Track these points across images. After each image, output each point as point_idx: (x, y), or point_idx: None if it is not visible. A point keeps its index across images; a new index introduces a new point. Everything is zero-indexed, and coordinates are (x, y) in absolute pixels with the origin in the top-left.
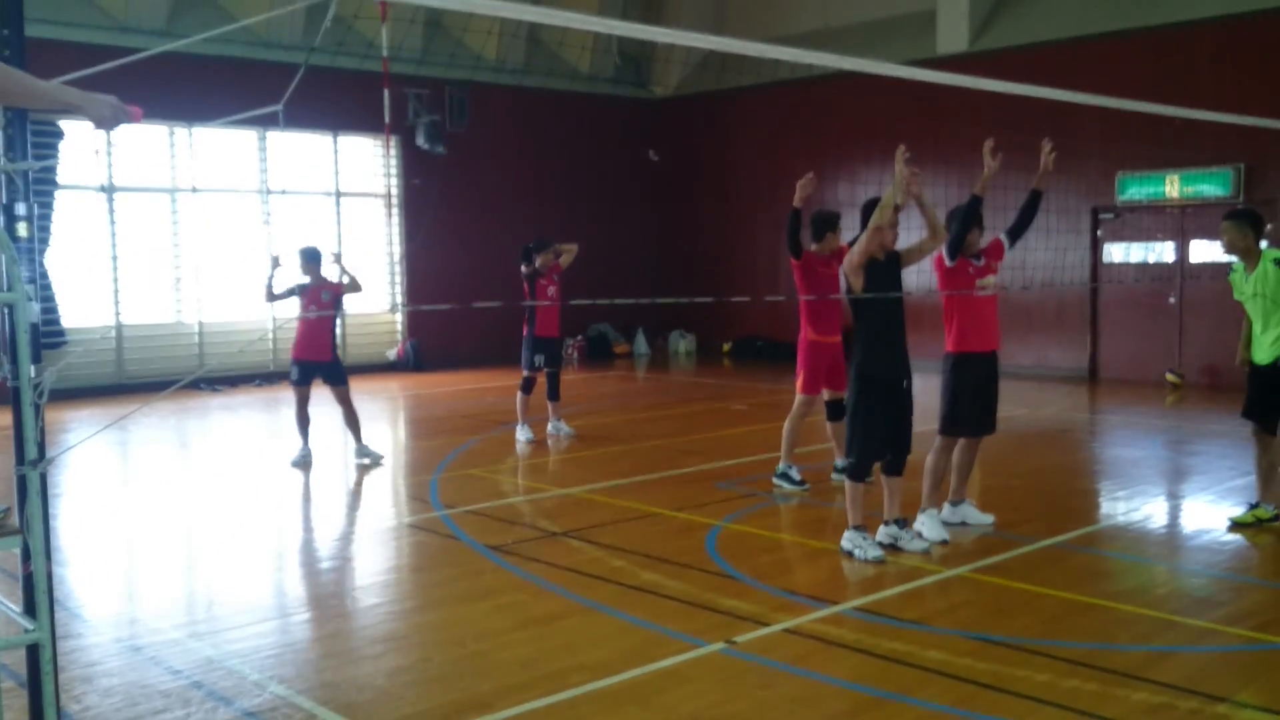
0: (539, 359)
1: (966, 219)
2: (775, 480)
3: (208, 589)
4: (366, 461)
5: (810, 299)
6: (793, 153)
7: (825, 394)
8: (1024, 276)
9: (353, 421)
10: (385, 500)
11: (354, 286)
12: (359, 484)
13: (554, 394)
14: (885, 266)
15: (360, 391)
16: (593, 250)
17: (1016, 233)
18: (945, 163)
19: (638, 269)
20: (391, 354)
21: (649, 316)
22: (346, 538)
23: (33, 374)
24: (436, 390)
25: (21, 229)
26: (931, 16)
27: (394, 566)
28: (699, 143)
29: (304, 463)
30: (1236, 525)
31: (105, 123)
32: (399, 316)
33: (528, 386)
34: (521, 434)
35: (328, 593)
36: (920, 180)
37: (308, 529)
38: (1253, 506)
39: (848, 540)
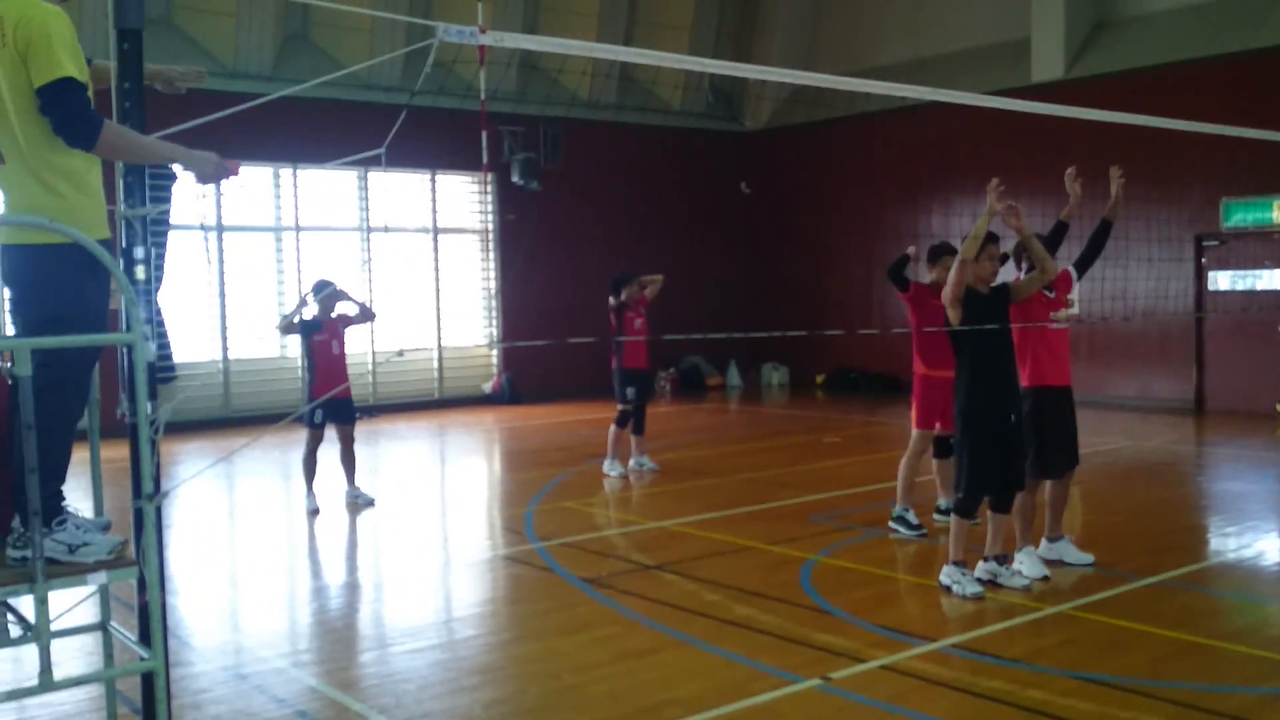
0: (630, 391)
1: (1050, 245)
2: (891, 524)
3: (310, 619)
4: (359, 504)
5: (923, 331)
6: (885, 184)
7: (938, 428)
8: (1125, 306)
9: (350, 461)
10: (480, 532)
11: (366, 316)
12: (455, 517)
13: (639, 428)
14: (989, 300)
15: (456, 424)
16: (685, 283)
17: (1085, 264)
18: (1041, 193)
19: (730, 301)
20: (487, 387)
21: (742, 349)
22: (443, 569)
23: (149, 410)
24: (531, 423)
25: (139, 271)
26: (1026, 44)
27: (490, 598)
28: (791, 175)
29: (317, 511)
30: None
31: (208, 178)
32: (494, 350)
33: (623, 420)
34: (610, 469)
35: (426, 624)
36: (1019, 213)
37: (405, 560)
38: None
39: (947, 575)
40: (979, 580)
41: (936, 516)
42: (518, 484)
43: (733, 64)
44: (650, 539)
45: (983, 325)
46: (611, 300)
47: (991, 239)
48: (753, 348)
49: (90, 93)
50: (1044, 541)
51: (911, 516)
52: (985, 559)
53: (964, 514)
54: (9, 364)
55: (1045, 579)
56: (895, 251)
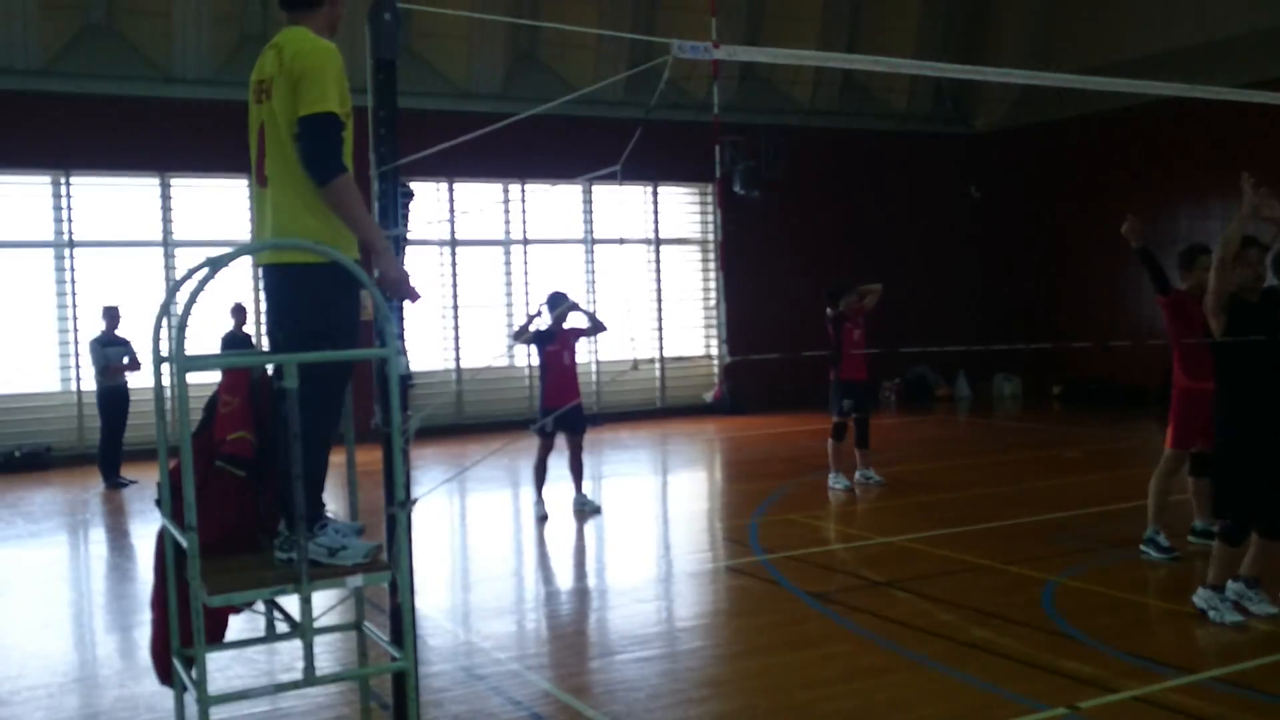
0: (847, 404)
1: None
2: (1142, 547)
3: (540, 623)
4: (585, 511)
5: (1183, 341)
6: (1126, 185)
7: (1197, 447)
8: None
9: (579, 469)
10: (704, 543)
11: (597, 328)
12: (679, 526)
13: (863, 441)
14: (1256, 308)
15: (678, 433)
16: (912, 291)
17: None
18: None
19: (959, 310)
20: (708, 397)
21: (971, 359)
22: (667, 579)
23: (401, 421)
24: (752, 434)
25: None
26: (1278, 32)
27: (715, 610)
28: (1023, 177)
29: (546, 517)
30: None
31: (388, 285)
32: (717, 360)
33: (839, 433)
34: (835, 482)
35: (652, 633)
36: (1275, 204)
37: (630, 568)
38: None
39: (1203, 599)
40: (1231, 603)
41: (1192, 539)
42: (740, 494)
43: (961, 66)
44: (878, 554)
45: (1251, 333)
46: (829, 311)
47: (1251, 242)
48: (983, 358)
49: (350, 130)
50: None
51: (1163, 539)
52: (1236, 579)
53: (1230, 541)
54: (276, 378)
55: None
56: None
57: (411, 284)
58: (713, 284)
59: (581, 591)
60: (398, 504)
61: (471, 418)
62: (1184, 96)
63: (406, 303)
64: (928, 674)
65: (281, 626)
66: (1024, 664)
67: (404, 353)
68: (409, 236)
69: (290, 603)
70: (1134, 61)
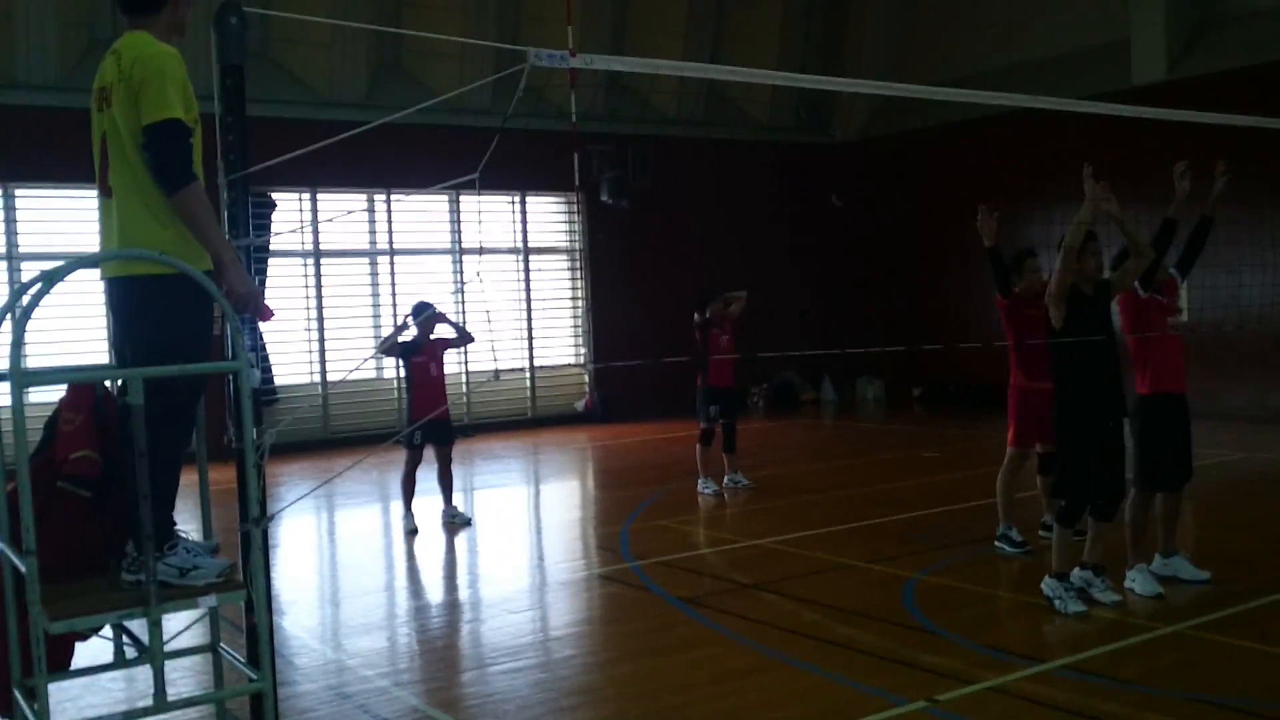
0: (714, 409)
1: (1162, 244)
2: (996, 543)
3: (410, 638)
4: (455, 523)
5: (1022, 343)
6: (982, 193)
7: (1038, 446)
8: (1238, 313)
9: (448, 481)
10: (575, 552)
11: (465, 338)
12: (551, 535)
13: (730, 446)
14: (1093, 299)
15: (549, 443)
16: (777, 298)
17: (1187, 264)
18: (1145, 198)
19: (823, 315)
20: (580, 405)
21: (836, 363)
22: (539, 589)
23: (254, 437)
24: (624, 441)
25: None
26: (1125, 45)
27: (587, 618)
28: (884, 186)
29: (415, 530)
30: None
31: (236, 299)
32: (586, 369)
33: (706, 438)
34: (704, 487)
35: (524, 643)
36: (1113, 199)
37: (502, 579)
38: None
39: (1049, 587)
40: (1076, 590)
41: (1043, 534)
42: (612, 502)
43: (820, 77)
44: (747, 557)
45: (1086, 324)
46: (696, 317)
47: (1091, 236)
48: (847, 362)
49: (198, 138)
50: (1157, 557)
51: (1015, 534)
52: (1082, 566)
53: (1066, 524)
54: (120, 394)
55: (1159, 596)
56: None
57: (261, 300)
58: (582, 293)
59: (452, 604)
60: (251, 521)
61: (338, 431)
62: (1031, 107)
63: (262, 319)
64: (794, 673)
65: (132, 652)
66: (886, 659)
67: (259, 366)
68: (271, 247)
69: (141, 626)
70: (986, 74)
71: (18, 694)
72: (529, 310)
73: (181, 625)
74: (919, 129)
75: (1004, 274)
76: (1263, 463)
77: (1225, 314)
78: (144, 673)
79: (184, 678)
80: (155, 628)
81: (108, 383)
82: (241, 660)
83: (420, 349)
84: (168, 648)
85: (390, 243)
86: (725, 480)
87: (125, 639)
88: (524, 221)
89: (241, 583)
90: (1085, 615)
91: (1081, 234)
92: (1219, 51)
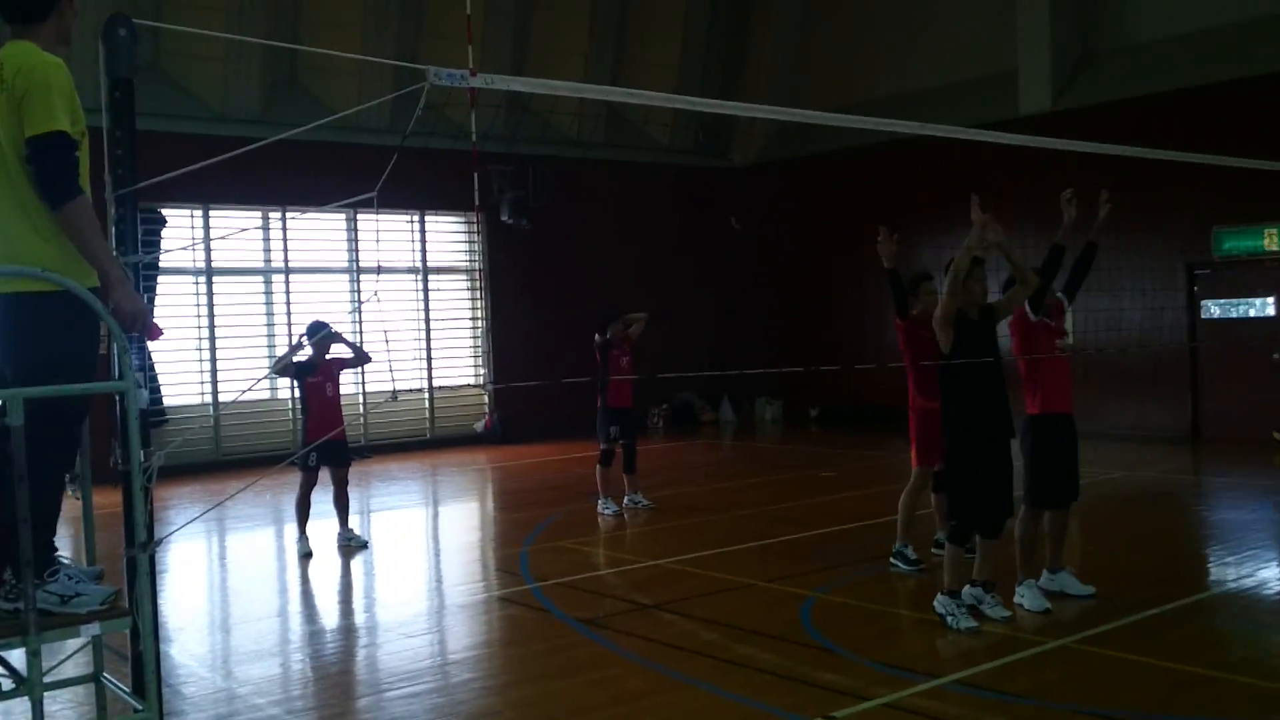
0: (614, 430)
1: (1050, 268)
2: (891, 560)
3: (304, 665)
4: (351, 546)
5: (919, 364)
6: (878, 217)
7: (938, 465)
8: (1120, 337)
9: (344, 504)
10: (474, 574)
11: (361, 358)
12: (449, 558)
13: (630, 467)
14: (978, 324)
15: (448, 464)
16: (677, 319)
17: (1073, 288)
18: (1035, 222)
19: (723, 337)
20: (479, 426)
21: (735, 384)
22: (438, 612)
23: (141, 459)
24: (523, 462)
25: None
26: (1013, 76)
27: (486, 641)
28: (782, 209)
29: (310, 554)
30: None
31: (123, 317)
32: (486, 390)
33: (606, 459)
34: (604, 507)
35: (421, 668)
36: (998, 228)
37: (400, 603)
38: None
39: (941, 604)
40: (968, 607)
41: (935, 551)
42: (511, 524)
43: (719, 102)
44: (647, 578)
45: (973, 347)
46: (597, 337)
47: (978, 262)
48: (746, 383)
49: (85, 151)
50: (1045, 573)
51: (910, 552)
52: (972, 583)
53: (957, 542)
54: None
55: (1047, 611)
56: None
57: (149, 318)
58: (482, 313)
59: (348, 629)
60: (138, 545)
61: (231, 453)
62: (921, 134)
63: (150, 337)
64: (693, 693)
65: (9, 683)
66: (784, 678)
67: (147, 386)
68: (162, 264)
69: (20, 657)
70: (879, 101)
71: None
72: (428, 330)
73: (63, 655)
74: (815, 154)
75: (903, 296)
76: (1145, 480)
77: (1108, 337)
78: (22, 705)
79: (65, 710)
80: (34, 658)
81: None
82: (126, 690)
83: (316, 369)
84: (48, 678)
85: (286, 261)
86: (625, 501)
87: (2, 670)
88: (423, 241)
89: (126, 610)
90: (977, 631)
91: (967, 261)
92: (1102, 83)
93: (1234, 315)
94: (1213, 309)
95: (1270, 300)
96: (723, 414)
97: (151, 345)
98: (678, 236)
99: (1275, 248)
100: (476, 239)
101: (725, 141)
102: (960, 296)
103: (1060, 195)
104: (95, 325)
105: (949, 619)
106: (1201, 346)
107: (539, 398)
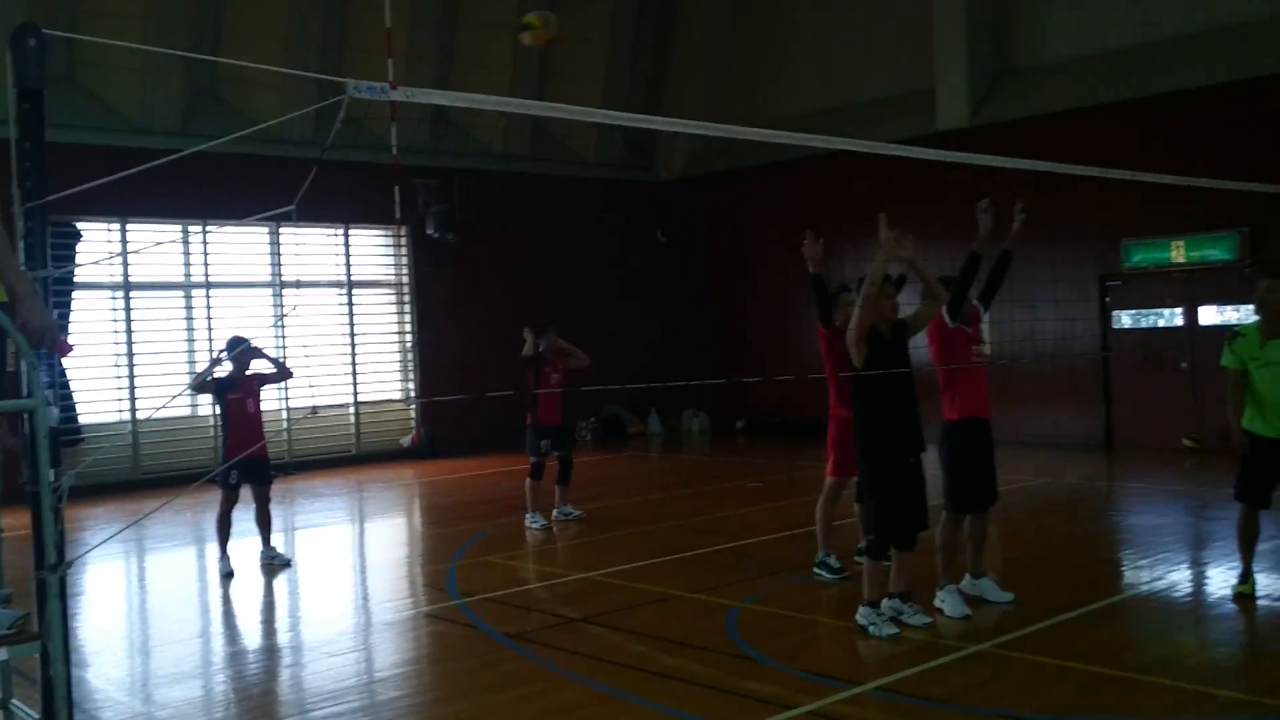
0: (545, 444)
1: (967, 276)
2: (815, 570)
3: (226, 686)
4: (274, 565)
5: (840, 375)
6: (801, 231)
7: (857, 475)
8: (1034, 346)
9: (266, 522)
10: (402, 591)
11: (283, 374)
12: (376, 574)
13: (565, 479)
14: (890, 341)
15: (375, 480)
16: (604, 332)
17: (989, 296)
18: (952, 236)
19: (650, 349)
20: (405, 441)
21: (662, 396)
22: (365, 629)
23: (52, 478)
24: (451, 477)
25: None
26: (931, 93)
27: (414, 657)
28: (706, 223)
29: (231, 573)
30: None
31: (31, 333)
32: (412, 405)
33: (537, 472)
34: (532, 521)
35: (347, 687)
36: (907, 244)
37: (324, 621)
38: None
39: (862, 616)
40: (890, 619)
41: (858, 559)
42: (439, 539)
43: (642, 116)
44: (575, 591)
45: (885, 364)
46: (528, 349)
47: (888, 279)
48: (673, 395)
49: None
50: (967, 578)
51: (833, 560)
52: (890, 596)
53: (875, 555)
54: None
55: (967, 617)
56: (809, 297)
57: (58, 334)
58: (409, 327)
59: (271, 649)
60: (48, 568)
61: (150, 471)
62: (840, 149)
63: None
64: (621, 705)
65: None
66: (711, 688)
67: (58, 404)
68: (76, 279)
69: None
70: (802, 116)
71: None
72: (353, 345)
73: None
74: (741, 168)
75: (826, 302)
76: (1061, 487)
77: (1024, 347)
78: None
79: None
80: None
81: None
82: (36, 716)
83: (236, 385)
84: None
85: (206, 275)
86: (555, 513)
87: None
88: (348, 255)
89: (36, 634)
90: (898, 637)
91: (878, 279)
92: (1017, 99)
93: (1144, 325)
94: (1124, 319)
95: (1178, 310)
96: (651, 426)
97: (66, 361)
98: (605, 250)
99: (1182, 260)
100: (403, 253)
101: (651, 155)
102: (871, 314)
103: (976, 205)
104: (2, 342)
105: (870, 628)
106: (1113, 356)
107: (467, 412)
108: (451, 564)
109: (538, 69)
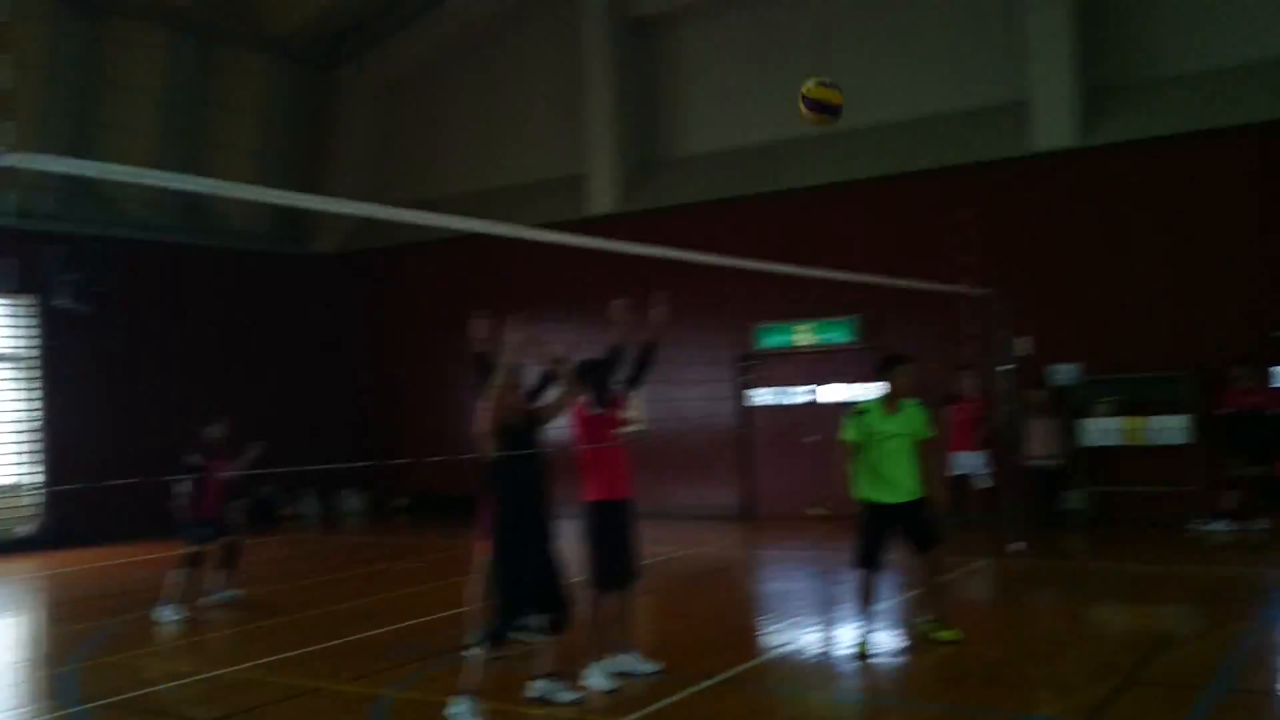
0: (209, 531)
1: (606, 368)
2: (466, 654)
3: None
4: None
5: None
6: (455, 310)
7: None
8: (678, 423)
9: None
10: (13, 700)
11: None
12: None
13: (232, 561)
14: (521, 432)
15: None
16: (256, 410)
17: (635, 381)
18: (601, 317)
19: (306, 428)
20: (25, 530)
21: (320, 477)
22: None
23: None
24: (80, 568)
25: None
26: (582, 180)
27: None
28: (370, 299)
29: None
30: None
31: None
32: (38, 489)
33: (196, 561)
34: (169, 613)
35: None
36: (542, 341)
37: None
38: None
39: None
40: (538, 698)
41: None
42: (63, 638)
43: (289, 193)
44: (209, 690)
45: (516, 456)
46: (192, 452)
47: (514, 372)
48: (331, 476)
49: None
50: (615, 655)
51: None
52: (535, 678)
53: (494, 644)
54: None
55: (615, 690)
56: (463, 378)
57: None
58: (36, 406)
59: None
60: None
61: None
62: (490, 232)
63: None
64: None
65: None
66: None
67: None
68: None
69: None
70: (461, 196)
71: None
72: None
73: None
74: (402, 244)
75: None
76: (705, 556)
77: (670, 423)
78: None
79: None
80: None
81: None
82: None
83: None
84: None
85: None
86: (214, 597)
87: None
88: None
89: None
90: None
91: (505, 377)
92: (658, 190)
93: (775, 403)
94: (757, 397)
95: (803, 389)
96: (305, 507)
97: None
98: (260, 326)
99: (805, 342)
100: (29, 323)
101: (306, 229)
102: (500, 409)
103: (610, 306)
104: None
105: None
106: (746, 431)
107: (102, 497)
108: (74, 666)
109: (184, 137)
